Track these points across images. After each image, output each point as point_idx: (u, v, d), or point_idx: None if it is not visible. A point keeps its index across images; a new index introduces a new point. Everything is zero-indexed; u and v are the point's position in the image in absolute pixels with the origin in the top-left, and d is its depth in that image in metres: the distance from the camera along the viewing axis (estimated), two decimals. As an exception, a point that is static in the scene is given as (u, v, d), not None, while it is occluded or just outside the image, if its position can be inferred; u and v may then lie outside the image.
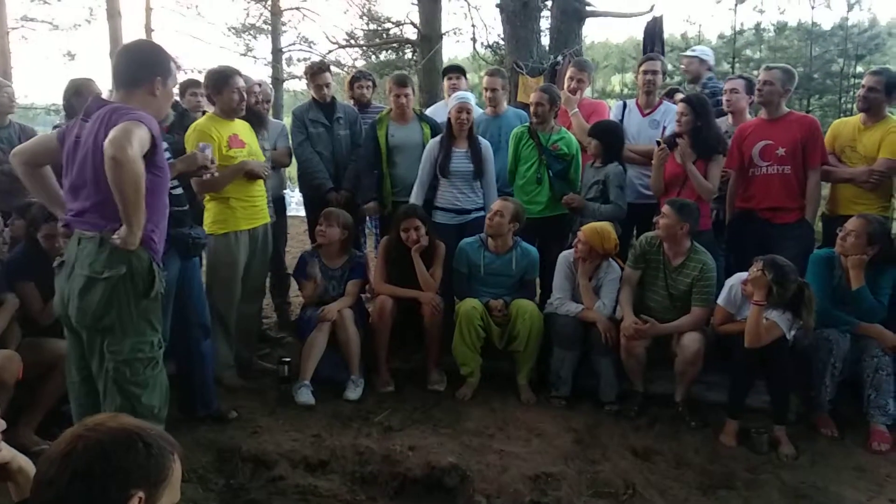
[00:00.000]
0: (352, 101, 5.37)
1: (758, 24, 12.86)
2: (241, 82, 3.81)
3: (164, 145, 3.21)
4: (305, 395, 3.84)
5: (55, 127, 4.10)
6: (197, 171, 3.27)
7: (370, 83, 5.44)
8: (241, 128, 3.87)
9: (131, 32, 18.50)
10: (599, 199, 4.27)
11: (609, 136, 4.31)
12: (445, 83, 5.37)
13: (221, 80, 3.72)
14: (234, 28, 20.37)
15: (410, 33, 14.62)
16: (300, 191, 5.13)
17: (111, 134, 2.24)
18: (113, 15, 15.19)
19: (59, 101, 4.22)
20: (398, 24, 16.49)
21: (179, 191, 3.28)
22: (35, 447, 3.14)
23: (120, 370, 2.47)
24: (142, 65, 2.51)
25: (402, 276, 4.20)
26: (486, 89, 4.84)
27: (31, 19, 17.39)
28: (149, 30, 18.41)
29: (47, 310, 3.24)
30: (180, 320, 3.34)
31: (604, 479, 3.10)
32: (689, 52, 5.43)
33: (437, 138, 4.55)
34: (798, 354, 3.54)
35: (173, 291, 3.22)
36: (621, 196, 4.27)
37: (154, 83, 2.50)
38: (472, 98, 4.53)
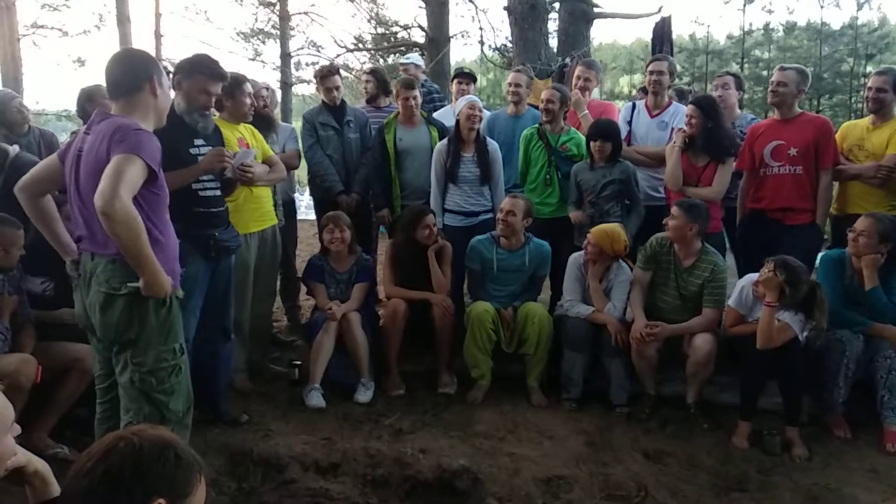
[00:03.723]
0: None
1: (766, 24, 12.83)
2: (250, 88, 3.85)
3: (207, 150, 3.26)
4: (316, 399, 3.85)
5: (73, 133, 4.14)
6: (236, 172, 3.33)
7: (371, 77, 5.54)
8: (245, 132, 3.90)
9: (141, 38, 18.66)
10: (617, 199, 4.27)
11: (616, 136, 4.30)
12: (455, 86, 5.38)
13: (234, 85, 3.74)
14: (242, 33, 20.47)
15: (418, 37, 14.66)
16: (311, 194, 5.14)
17: (101, 184, 2.20)
18: (122, 21, 15.28)
19: (70, 106, 4.25)
20: (406, 27, 16.57)
21: (210, 193, 3.28)
22: (49, 450, 3.16)
23: (146, 380, 2.48)
24: (136, 69, 2.50)
25: (410, 277, 4.21)
26: (511, 84, 4.90)
27: (42, 26, 17.48)
28: (158, 35, 18.51)
29: None
30: (200, 320, 3.32)
31: (616, 481, 3.09)
32: (405, 60, 6.45)
33: (444, 142, 4.57)
34: (810, 355, 3.51)
35: (198, 291, 3.19)
36: (638, 193, 4.33)
37: (153, 83, 2.50)
38: (481, 105, 4.55)
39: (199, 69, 3.15)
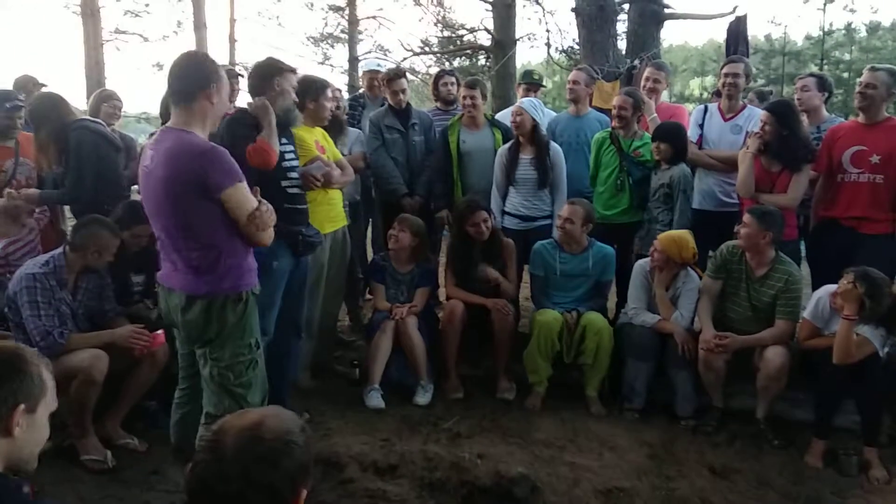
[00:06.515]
0: (437, 101, 5.51)
1: (848, 24, 12.36)
2: (331, 93, 3.96)
3: (291, 147, 3.44)
4: (376, 399, 3.88)
5: (151, 135, 4.31)
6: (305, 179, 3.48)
7: (454, 79, 5.49)
8: (319, 134, 3.98)
9: (216, 43, 19.27)
10: (666, 205, 4.15)
11: (678, 138, 4.18)
12: (521, 91, 5.36)
13: (320, 89, 3.84)
14: (312, 37, 20.91)
15: (484, 39, 14.65)
16: (375, 196, 5.19)
17: (241, 220, 2.46)
18: (199, 26, 15.87)
19: (149, 109, 4.44)
20: (472, 30, 16.55)
21: (296, 190, 3.41)
22: (120, 440, 3.28)
23: (224, 375, 2.58)
24: (195, 78, 2.53)
25: (464, 271, 4.23)
26: (569, 82, 4.93)
27: (124, 31, 18.23)
28: (232, 40, 19.12)
29: None
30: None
31: (679, 496, 3.01)
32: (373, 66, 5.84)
33: (507, 145, 4.55)
34: (891, 372, 3.35)
35: (282, 285, 3.31)
36: (687, 201, 4.13)
37: (210, 92, 2.52)
38: (532, 105, 4.48)
39: (283, 67, 3.35)
